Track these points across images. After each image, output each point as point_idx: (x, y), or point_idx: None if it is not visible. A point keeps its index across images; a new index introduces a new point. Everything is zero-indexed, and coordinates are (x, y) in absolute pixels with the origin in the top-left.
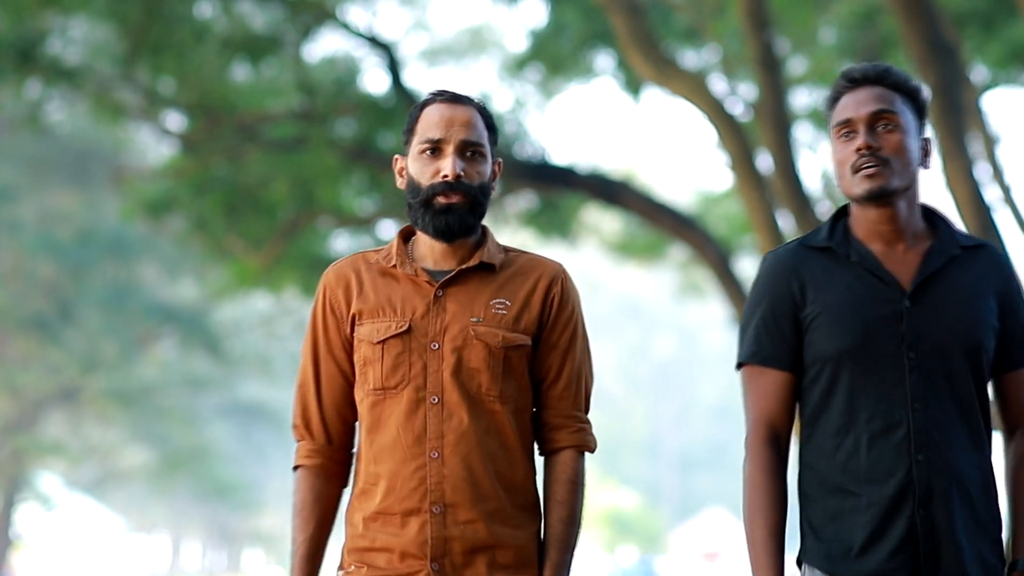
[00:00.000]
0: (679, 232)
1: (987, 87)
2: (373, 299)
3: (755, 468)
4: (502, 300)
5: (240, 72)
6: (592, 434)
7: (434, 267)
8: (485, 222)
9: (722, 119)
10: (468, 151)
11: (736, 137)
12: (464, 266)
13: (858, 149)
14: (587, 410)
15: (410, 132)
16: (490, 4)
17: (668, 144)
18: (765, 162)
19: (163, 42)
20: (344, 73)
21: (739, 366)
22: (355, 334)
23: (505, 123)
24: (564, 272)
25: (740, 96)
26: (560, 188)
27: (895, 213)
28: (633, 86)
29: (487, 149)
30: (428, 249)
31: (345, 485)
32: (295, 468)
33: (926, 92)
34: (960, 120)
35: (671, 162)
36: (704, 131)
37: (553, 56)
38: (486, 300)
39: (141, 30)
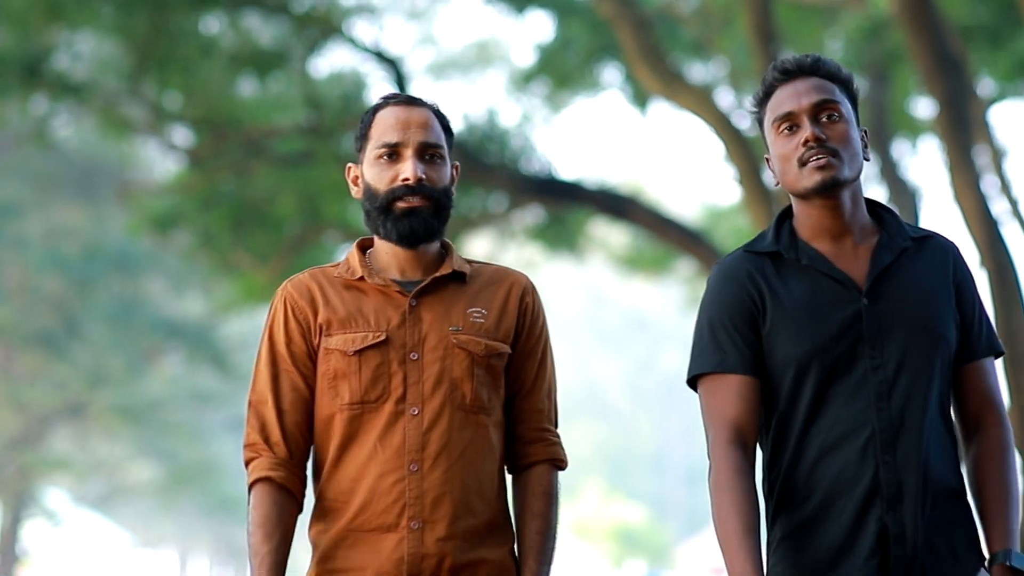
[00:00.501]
0: (686, 246)
1: (994, 100)
2: (343, 310)
3: (723, 468)
4: (478, 309)
5: (247, 87)
6: (563, 449)
7: (401, 278)
8: (491, 236)
9: (729, 133)
10: (427, 154)
11: (743, 151)
12: (437, 274)
13: (806, 141)
14: (556, 424)
15: (364, 138)
16: (497, 18)
17: (675, 158)
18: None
19: (170, 57)
20: (351, 88)
21: (694, 379)
22: (322, 344)
23: (512, 137)
24: (532, 283)
25: (747, 109)
26: (567, 202)
27: (840, 206)
28: (640, 100)
29: (446, 151)
30: (391, 259)
31: (301, 507)
32: (252, 484)
33: (856, 83)
34: (967, 133)
35: (678, 176)
36: (712, 145)
37: (560, 70)
38: (462, 309)
39: (148, 45)
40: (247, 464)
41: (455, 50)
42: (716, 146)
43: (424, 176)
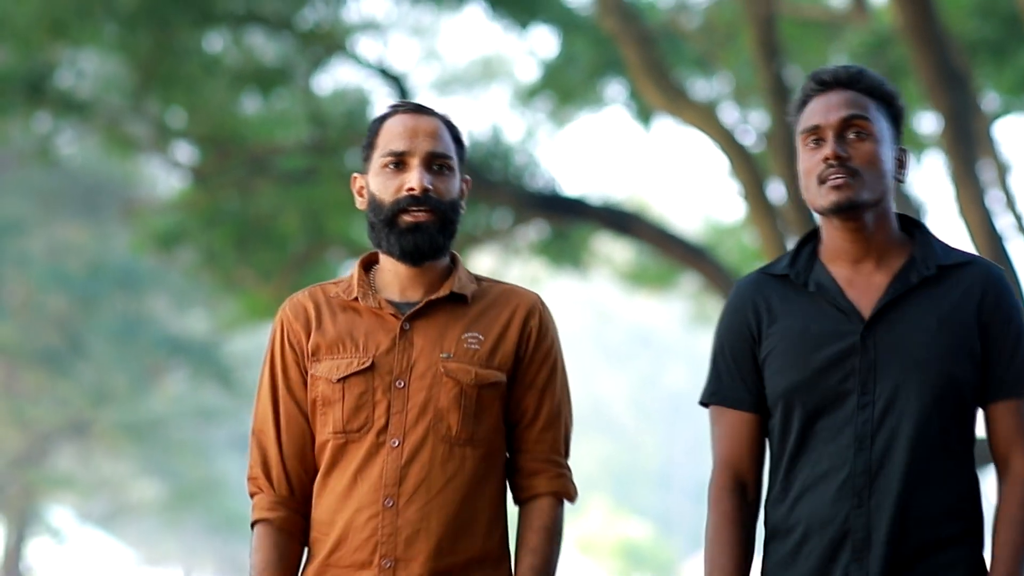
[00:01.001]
0: (690, 262)
1: (998, 115)
2: (332, 333)
3: (716, 517)
4: (475, 334)
5: (250, 104)
6: (572, 481)
7: (400, 298)
8: (496, 252)
9: (734, 148)
10: (435, 164)
11: (748, 166)
12: (432, 297)
13: (826, 159)
14: (567, 454)
15: (370, 147)
16: (501, 34)
17: (679, 173)
18: (777, 191)
19: (173, 74)
20: (355, 105)
21: (704, 404)
22: (312, 371)
23: (516, 153)
24: (542, 303)
25: (751, 125)
26: (571, 218)
27: (861, 228)
28: (644, 115)
29: (455, 163)
30: (393, 277)
31: (306, 544)
32: (254, 524)
33: (902, 99)
34: (971, 148)
35: (683, 191)
36: (716, 160)
37: (564, 85)
38: (457, 334)
39: (151, 62)
40: (251, 496)
41: (459, 66)
42: (720, 162)
43: (431, 187)
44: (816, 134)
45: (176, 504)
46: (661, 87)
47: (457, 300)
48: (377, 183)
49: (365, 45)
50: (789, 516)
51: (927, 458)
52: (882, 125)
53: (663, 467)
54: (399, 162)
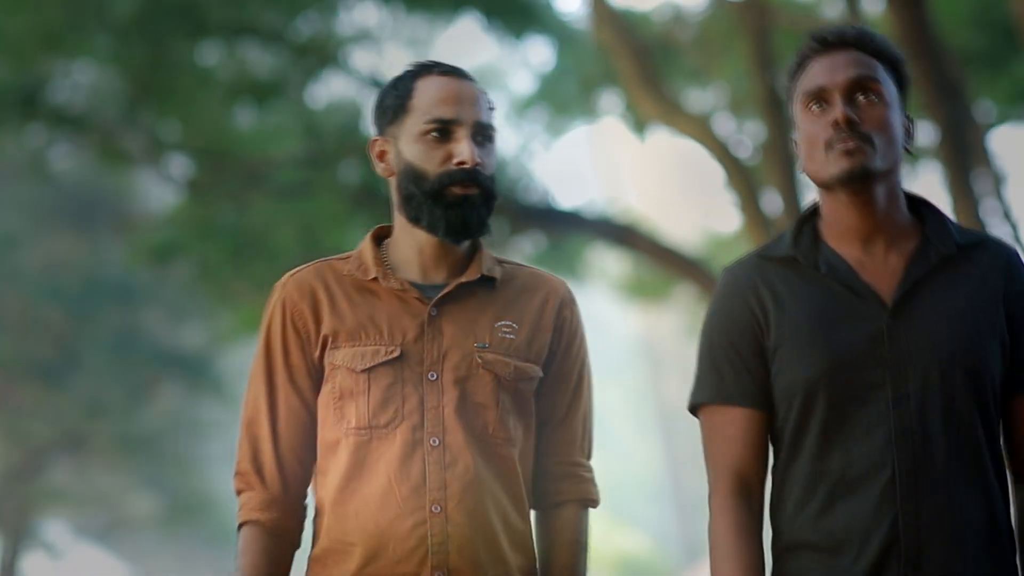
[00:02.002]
0: (687, 273)
1: (993, 125)
2: (352, 318)
3: (723, 527)
4: (508, 322)
5: (244, 117)
6: (595, 485)
7: (422, 279)
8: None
9: (729, 160)
10: (480, 135)
11: (743, 178)
12: (463, 279)
13: (835, 123)
14: (591, 456)
15: (401, 109)
16: (495, 45)
17: (675, 185)
18: (773, 203)
19: (167, 87)
20: (349, 117)
21: (696, 408)
22: (327, 360)
23: (511, 165)
24: (571, 293)
25: (747, 136)
26: (566, 230)
27: (871, 202)
28: (639, 126)
29: (495, 135)
30: (415, 255)
31: (297, 548)
32: (241, 525)
33: (908, 65)
34: (967, 158)
35: (678, 202)
36: (711, 172)
37: (559, 97)
38: (490, 322)
39: (145, 75)
40: (238, 494)
41: None
42: (716, 173)
43: (481, 161)
44: (820, 97)
45: (172, 518)
46: (656, 98)
47: (487, 283)
48: (417, 151)
49: (359, 57)
50: (817, 526)
51: (975, 459)
52: (891, 90)
53: (660, 479)
54: (444, 130)
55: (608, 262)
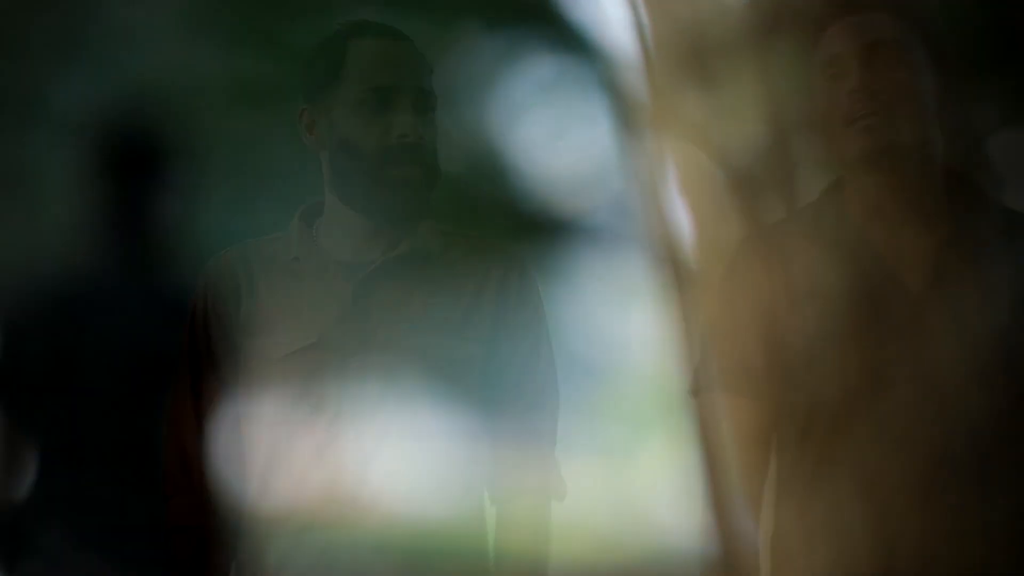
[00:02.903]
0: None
1: (993, 131)
2: (269, 302)
3: None
4: (443, 299)
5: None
6: (560, 476)
7: (353, 258)
8: None
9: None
10: (421, 104)
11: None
12: (390, 255)
13: (852, 91)
14: (554, 444)
15: (332, 75)
16: (493, 50)
17: (673, 190)
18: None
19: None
20: None
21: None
22: (244, 349)
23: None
24: (522, 261)
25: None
26: (564, 235)
27: (902, 182)
28: (638, 132)
29: (437, 104)
30: (346, 232)
31: (236, 553)
32: (170, 531)
33: (939, 23)
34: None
35: (676, 208)
36: (710, 178)
37: (556, 102)
38: (422, 300)
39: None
40: (165, 499)
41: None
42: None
43: (423, 134)
44: (837, 65)
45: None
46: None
47: (420, 258)
48: (352, 124)
49: None
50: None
51: (1007, 456)
52: (918, 53)
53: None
54: (383, 98)
55: (605, 270)
